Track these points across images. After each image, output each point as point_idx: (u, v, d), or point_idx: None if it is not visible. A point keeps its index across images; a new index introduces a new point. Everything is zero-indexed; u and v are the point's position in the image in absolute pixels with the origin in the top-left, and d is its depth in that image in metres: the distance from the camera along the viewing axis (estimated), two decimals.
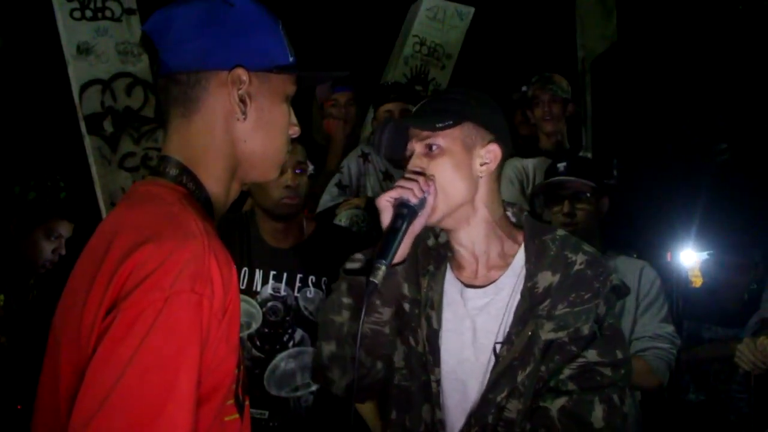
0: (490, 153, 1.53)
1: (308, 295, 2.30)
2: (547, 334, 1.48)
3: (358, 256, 1.61)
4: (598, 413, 1.43)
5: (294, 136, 1.23)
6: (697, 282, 3.60)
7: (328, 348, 1.56)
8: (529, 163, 3.36)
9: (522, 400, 1.48)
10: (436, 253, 1.63)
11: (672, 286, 3.12)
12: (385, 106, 3.30)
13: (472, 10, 4.50)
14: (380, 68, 4.56)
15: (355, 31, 4.87)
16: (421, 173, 1.49)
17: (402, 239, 1.44)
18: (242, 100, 1.12)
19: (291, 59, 1.18)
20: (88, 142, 3.81)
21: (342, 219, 3.01)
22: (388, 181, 3.29)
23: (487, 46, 4.88)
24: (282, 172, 2.21)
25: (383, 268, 1.40)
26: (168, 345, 0.92)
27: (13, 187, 2.78)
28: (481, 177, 1.53)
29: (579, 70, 4.36)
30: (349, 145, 3.68)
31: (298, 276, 2.30)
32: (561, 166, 2.64)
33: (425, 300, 1.59)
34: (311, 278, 2.30)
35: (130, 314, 0.92)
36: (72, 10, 3.75)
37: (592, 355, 1.47)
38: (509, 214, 1.63)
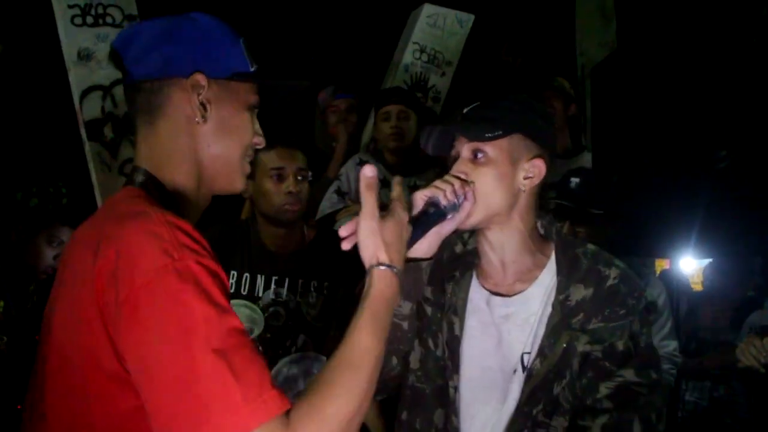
0: (535, 167, 1.51)
1: (310, 300, 2.30)
2: (583, 346, 1.46)
3: None
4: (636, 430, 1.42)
5: (259, 147, 1.27)
6: (697, 288, 3.61)
7: None
8: None
9: (566, 417, 1.45)
10: (463, 260, 1.62)
11: (672, 292, 3.13)
12: (384, 108, 3.31)
13: (472, 17, 4.51)
14: (380, 75, 4.57)
15: (355, 39, 4.88)
16: (461, 179, 1.47)
17: (421, 235, 1.41)
18: (203, 105, 1.18)
19: (252, 69, 1.23)
20: (89, 148, 3.80)
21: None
22: (386, 188, 3.29)
23: (488, 53, 4.90)
24: (283, 179, 2.22)
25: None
26: (200, 302, 0.96)
27: (16, 193, 2.78)
28: (522, 190, 1.51)
29: (579, 77, 4.37)
30: (349, 153, 3.69)
31: (300, 281, 2.31)
32: (574, 182, 2.60)
33: (449, 305, 1.58)
34: (313, 283, 2.31)
35: (145, 296, 0.96)
36: (73, 17, 3.76)
37: (630, 374, 1.45)
38: (539, 225, 1.60)
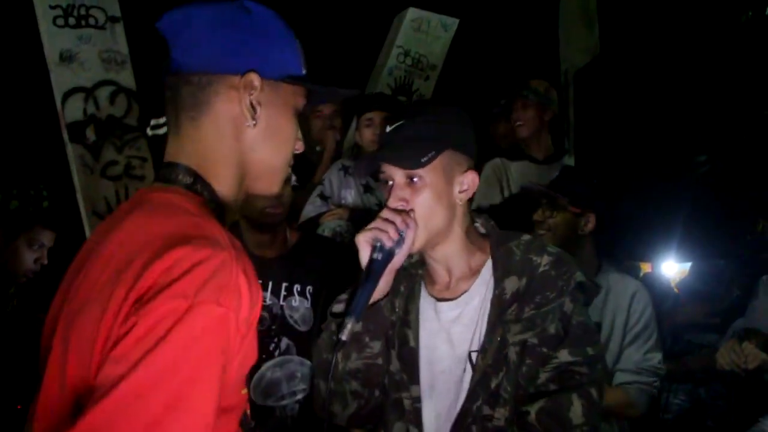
0: (468, 179, 1.55)
1: (293, 303, 2.30)
2: (514, 336, 1.49)
3: (343, 296, 1.64)
4: (577, 409, 1.45)
5: (298, 152, 1.20)
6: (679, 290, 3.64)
7: (323, 387, 1.59)
8: (512, 165, 3.37)
9: (507, 407, 1.48)
10: (408, 272, 1.66)
11: (654, 296, 3.15)
12: (366, 114, 3.31)
13: (456, 21, 4.53)
14: (364, 79, 4.58)
15: (338, 42, 4.89)
16: (401, 211, 1.50)
17: (374, 288, 1.48)
18: (253, 106, 1.10)
19: (304, 71, 1.17)
20: (71, 150, 3.78)
21: (325, 230, 3.02)
22: (368, 193, 3.30)
23: (472, 57, 4.92)
24: None
25: (349, 325, 1.43)
26: (184, 355, 0.87)
27: None
28: (459, 204, 1.55)
29: (562, 83, 4.40)
30: (335, 158, 3.68)
31: (284, 285, 2.30)
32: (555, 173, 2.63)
33: (399, 320, 1.62)
34: (296, 287, 2.30)
35: (150, 319, 0.87)
36: (55, 18, 3.73)
37: (564, 355, 1.48)
38: (477, 224, 1.65)
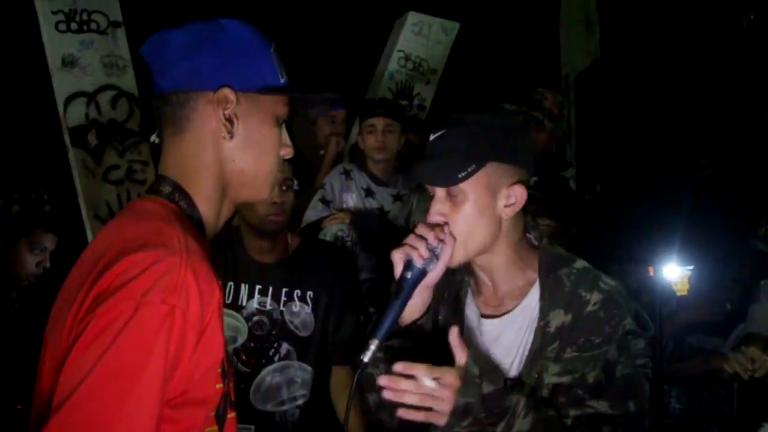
0: (515, 194, 1.45)
1: (294, 309, 2.30)
2: (551, 377, 1.43)
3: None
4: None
5: (286, 157, 1.24)
6: (683, 293, 3.63)
7: (372, 398, 1.53)
8: None
9: None
10: (454, 278, 1.58)
11: (655, 299, 3.15)
12: (369, 120, 3.32)
13: (457, 25, 4.54)
14: (365, 84, 4.58)
15: (339, 47, 4.89)
16: (435, 225, 1.43)
17: (401, 309, 1.40)
18: (229, 120, 1.14)
19: (282, 81, 1.20)
20: (72, 154, 3.79)
21: (327, 234, 3.02)
22: (369, 197, 3.31)
23: (473, 61, 4.92)
24: None
25: (373, 347, 1.36)
26: (132, 353, 0.95)
27: None
28: (505, 219, 1.46)
29: (563, 86, 4.41)
30: (336, 163, 3.69)
31: (284, 290, 2.30)
32: (533, 180, 2.63)
33: (443, 331, 1.52)
34: (296, 292, 2.31)
35: (101, 321, 0.95)
36: (57, 23, 3.75)
37: (603, 406, 1.40)
38: (530, 236, 1.56)
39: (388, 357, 1.45)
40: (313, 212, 3.24)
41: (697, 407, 3.07)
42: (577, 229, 2.56)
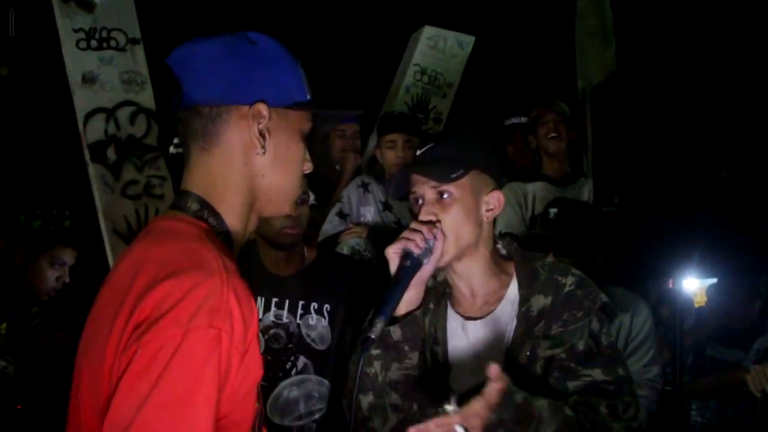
0: (494, 199, 1.62)
1: (310, 322, 2.30)
2: (544, 351, 1.55)
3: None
4: (603, 411, 1.50)
5: (307, 172, 1.25)
6: (699, 304, 3.59)
7: (367, 400, 1.62)
8: (529, 188, 3.36)
9: None
10: (435, 291, 1.71)
11: (674, 311, 3.12)
12: (389, 135, 3.32)
13: (472, 39, 4.55)
14: (380, 98, 4.60)
15: (355, 61, 4.92)
16: (426, 222, 1.56)
17: (403, 292, 1.53)
18: (262, 135, 1.14)
19: (308, 97, 1.21)
20: (92, 169, 3.82)
21: (344, 248, 3.02)
22: (387, 211, 3.31)
23: (488, 74, 4.93)
24: None
25: (379, 324, 1.46)
26: (184, 379, 0.94)
27: (19, 215, 2.79)
28: (486, 222, 1.62)
29: (579, 99, 4.39)
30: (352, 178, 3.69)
31: (300, 303, 2.30)
32: (552, 212, 2.62)
33: (429, 337, 1.65)
34: (313, 305, 2.30)
35: (150, 349, 0.95)
36: (78, 41, 3.80)
37: (597, 374, 1.53)
38: (499, 246, 1.71)
39: (385, 344, 1.58)
40: (330, 226, 3.24)
41: (719, 421, 3.03)
42: (603, 256, 2.55)
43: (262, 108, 1.13)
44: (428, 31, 4.45)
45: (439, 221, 1.57)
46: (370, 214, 3.29)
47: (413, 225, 1.57)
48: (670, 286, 3.50)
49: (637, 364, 2.40)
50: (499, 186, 1.66)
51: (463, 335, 1.65)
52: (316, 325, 2.29)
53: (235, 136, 1.14)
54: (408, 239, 1.53)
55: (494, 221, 1.67)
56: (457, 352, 1.64)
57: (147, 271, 1.02)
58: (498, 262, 1.67)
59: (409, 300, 1.58)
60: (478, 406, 1.39)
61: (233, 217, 1.16)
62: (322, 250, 2.59)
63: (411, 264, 1.52)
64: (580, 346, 1.54)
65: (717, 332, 3.24)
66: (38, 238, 2.77)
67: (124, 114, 3.87)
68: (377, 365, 1.59)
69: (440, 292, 1.71)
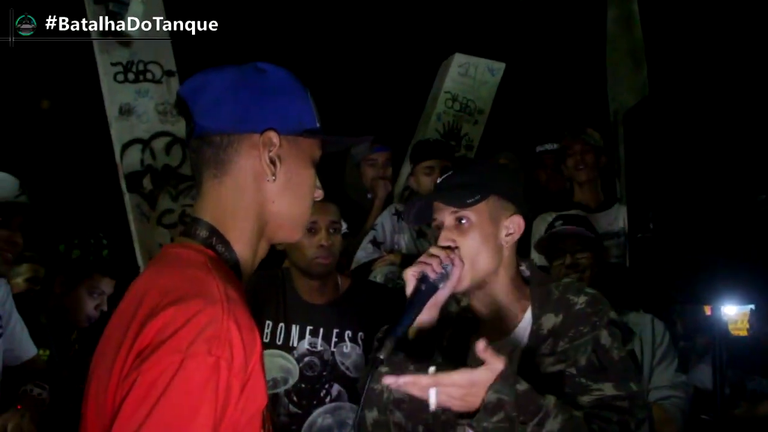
0: (513, 224, 1.64)
1: (344, 350, 2.30)
2: (546, 368, 1.55)
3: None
4: (615, 428, 1.48)
5: (317, 199, 1.26)
6: (740, 334, 3.51)
7: (371, 415, 1.63)
8: None
9: None
10: (460, 316, 1.72)
11: (714, 338, 3.05)
12: (426, 162, 3.33)
13: (503, 65, 4.56)
14: (412, 126, 4.62)
15: (386, 90, 4.96)
16: (445, 247, 1.58)
17: (415, 314, 1.53)
18: (272, 162, 1.16)
19: (318, 124, 1.22)
20: (128, 199, 3.90)
21: (377, 276, 3.02)
22: (421, 238, 3.31)
23: (520, 100, 4.93)
24: (316, 232, 2.24)
25: (389, 344, 1.47)
26: (182, 405, 0.96)
27: (59, 245, 2.86)
28: (505, 246, 1.63)
29: (611, 123, 4.37)
30: (385, 206, 3.71)
31: (335, 331, 2.31)
32: (557, 223, 2.69)
33: (446, 359, 1.63)
34: (347, 333, 2.31)
35: (149, 376, 0.96)
36: (116, 74, 3.89)
37: (608, 388, 1.51)
38: (523, 268, 1.71)
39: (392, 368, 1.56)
40: (363, 253, 3.25)
41: None
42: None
43: (273, 136, 1.15)
44: (459, 58, 4.48)
45: (457, 247, 1.58)
46: (404, 241, 3.29)
47: (431, 249, 1.59)
48: (708, 314, 3.44)
49: (669, 370, 2.48)
50: (522, 212, 1.67)
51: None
52: (351, 353, 2.30)
53: (247, 163, 1.16)
54: (425, 263, 1.55)
55: (516, 247, 1.67)
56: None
57: (151, 298, 1.04)
58: (519, 286, 1.68)
59: (423, 322, 1.58)
60: (458, 377, 1.39)
61: (242, 244, 1.17)
62: (355, 278, 2.60)
63: (426, 288, 1.54)
64: (582, 360, 1.54)
65: (756, 362, 3.16)
66: (77, 267, 2.83)
67: (159, 144, 3.94)
68: (384, 383, 1.56)
69: (465, 318, 1.71)
